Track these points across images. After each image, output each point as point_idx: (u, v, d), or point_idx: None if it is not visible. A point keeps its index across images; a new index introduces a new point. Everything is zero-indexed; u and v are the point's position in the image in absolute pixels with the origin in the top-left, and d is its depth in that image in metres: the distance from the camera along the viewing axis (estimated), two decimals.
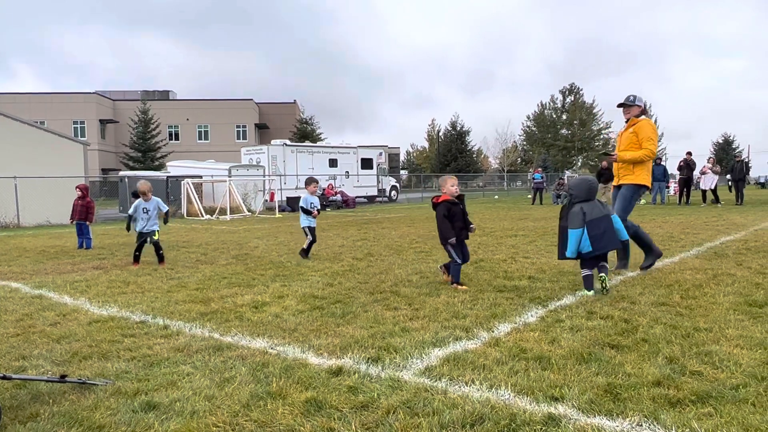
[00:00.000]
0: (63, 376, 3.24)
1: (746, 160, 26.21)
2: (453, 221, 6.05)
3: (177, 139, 57.38)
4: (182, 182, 22.10)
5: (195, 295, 5.95)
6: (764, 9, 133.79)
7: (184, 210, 21.83)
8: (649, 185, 6.94)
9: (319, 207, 8.85)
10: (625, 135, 6.89)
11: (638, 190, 6.82)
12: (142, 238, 8.34)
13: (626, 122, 6.91)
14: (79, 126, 53.23)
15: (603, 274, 5.49)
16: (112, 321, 4.88)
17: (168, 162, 33.43)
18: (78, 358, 3.84)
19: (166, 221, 8.66)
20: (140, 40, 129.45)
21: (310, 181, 9.00)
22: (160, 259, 8.36)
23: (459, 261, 6.06)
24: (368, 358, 3.67)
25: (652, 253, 6.75)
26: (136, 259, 8.39)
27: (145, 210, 8.34)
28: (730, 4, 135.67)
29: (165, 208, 8.55)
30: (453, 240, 5.98)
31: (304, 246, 8.69)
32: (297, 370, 3.47)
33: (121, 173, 28.59)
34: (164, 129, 53.90)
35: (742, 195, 21.12)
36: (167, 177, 23.15)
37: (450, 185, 6.16)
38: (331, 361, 3.62)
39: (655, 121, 71.79)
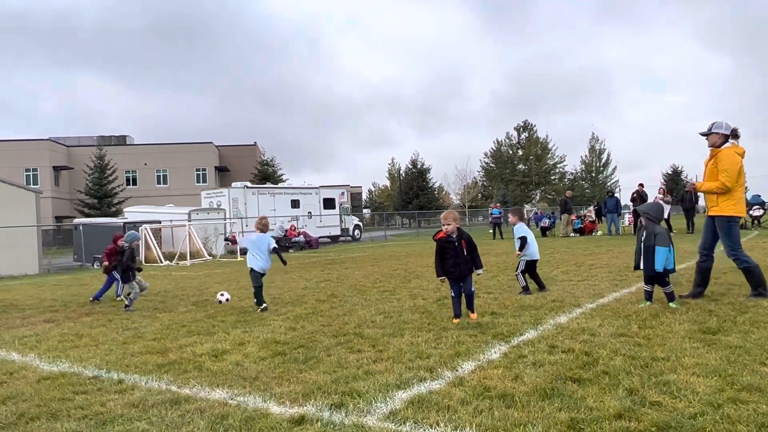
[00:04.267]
0: None
1: None
2: (445, 258, 6.13)
3: (135, 184, 56.35)
4: (140, 228, 21.62)
5: (152, 345, 5.76)
6: (698, 49, 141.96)
7: (142, 256, 21.28)
8: (736, 214, 6.58)
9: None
10: (708, 165, 6.69)
11: (729, 220, 6.55)
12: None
13: (709, 151, 6.72)
14: (31, 173, 51.78)
15: (650, 303, 6.38)
16: (63, 377, 4.66)
17: (125, 208, 32.74)
18: (25, 420, 3.64)
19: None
20: (86, 84, 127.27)
21: (516, 211, 8.67)
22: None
23: (452, 294, 6.21)
24: (331, 405, 3.60)
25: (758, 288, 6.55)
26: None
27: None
28: (668, 42, 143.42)
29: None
30: (441, 278, 6.23)
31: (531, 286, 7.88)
32: (258, 420, 3.37)
33: (76, 221, 27.80)
34: (121, 174, 52.89)
35: (693, 223, 21.90)
36: (124, 223, 22.64)
37: (443, 223, 6.21)
38: (293, 410, 3.54)
39: (608, 155, 74.40)
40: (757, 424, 2.92)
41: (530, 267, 7.96)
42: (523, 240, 7.87)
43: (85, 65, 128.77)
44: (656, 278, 6.29)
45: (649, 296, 6.46)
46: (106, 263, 9.34)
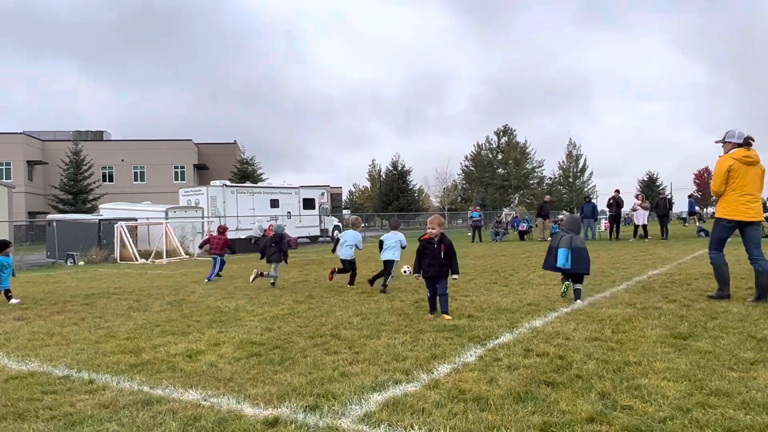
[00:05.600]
0: None
1: (669, 197, 27.81)
2: (423, 257, 6.61)
3: (111, 180, 55.45)
4: (115, 225, 21.30)
5: (125, 345, 5.67)
6: (677, 58, 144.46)
7: (117, 254, 20.96)
8: (724, 216, 6.82)
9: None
10: None
11: (717, 221, 6.94)
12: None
13: None
14: (4, 168, 50.71)
15: (568, 283, 7.41)
16: (31, 377, 4.56)
17: (101, 204, 32.23)
18: None
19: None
20: (62, 78, 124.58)
21: (392, 220, 10.36)
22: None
23: (428, 293, 6.70)
24: (306, 407, 3.58)
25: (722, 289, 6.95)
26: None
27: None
28: (648, 50, 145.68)
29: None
30: (417, 275, 6.73)
31: None
32: (231, 422, 3.34)
33: (50, 216, 27.26)
34: (97, 170, 51.97)
35: (667, 230, 22.31)
36: (99, 220, 22.26)
37: (428, 227, 6.73)
38: (267, 412, 3.51)
39: (585, 160, 75.36)
40: (725, 428, 2.98)
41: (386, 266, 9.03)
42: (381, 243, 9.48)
43: (61, 59, 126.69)
44: (573, 275, 7.19)
45: (565, 279, 7.46)
46: (214, 249, 12.27)
